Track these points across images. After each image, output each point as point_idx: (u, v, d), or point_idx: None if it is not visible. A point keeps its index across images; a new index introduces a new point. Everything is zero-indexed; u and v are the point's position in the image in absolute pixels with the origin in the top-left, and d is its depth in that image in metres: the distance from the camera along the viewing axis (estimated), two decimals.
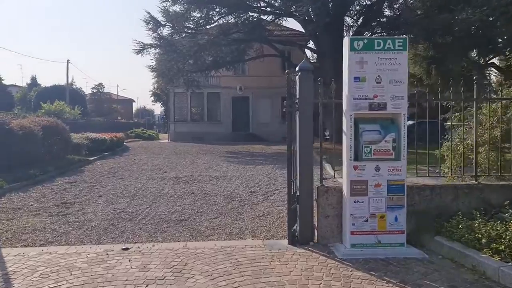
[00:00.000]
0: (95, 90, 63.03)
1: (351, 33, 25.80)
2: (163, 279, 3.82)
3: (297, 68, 4.65)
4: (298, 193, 4.80)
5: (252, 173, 12.00)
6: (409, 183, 4.76)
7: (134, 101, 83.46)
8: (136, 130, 37.08)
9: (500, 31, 18.73)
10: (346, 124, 4.51)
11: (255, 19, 24.92)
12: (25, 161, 11.34)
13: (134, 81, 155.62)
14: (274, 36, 28.03)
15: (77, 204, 7.40)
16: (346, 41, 4.39)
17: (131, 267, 4.12)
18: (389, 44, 4.24)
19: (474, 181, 5.25)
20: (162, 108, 66.68)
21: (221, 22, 24.92)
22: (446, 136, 7.04)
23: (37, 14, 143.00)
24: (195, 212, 6.85)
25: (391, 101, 4.31)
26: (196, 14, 24.05)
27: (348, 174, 4.43)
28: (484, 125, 6.30)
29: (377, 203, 4.36)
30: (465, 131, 6.05)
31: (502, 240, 3.99)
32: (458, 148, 6.47)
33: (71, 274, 3.96)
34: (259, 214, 6.67)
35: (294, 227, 4.89)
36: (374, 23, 23.36)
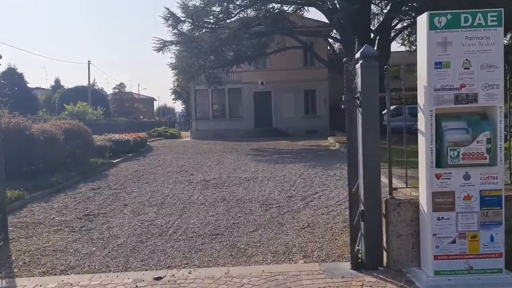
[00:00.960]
0: (116, 90, 63.40)
1: (377, 21, 24.66)
2: None
3: (357, 54, 3.81)
4: (362, 208, 3.97)
5: (283, 173, 11.21)
6: None
7: (155, 100, 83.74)
8: (158, 129, 36.72)
9: None
10: (424, 122, 3.66)
11: (276, 11, 24.04)
12: (47, 166, 10.87)
13: (155, 80, 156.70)
14: (297, 28, 27.04)
15: (101, 216, 6.75)
16: (423, 19, 3.52)
17: None
18: (479, 19, 3.36)
19: None
20: (183, 106, 66.55)
21: (240, 16, 24.15)
22: None
23: (58, 16, 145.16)
24: (231, 223, 6.10)
25: (483, 91, 3.43)
26: (216, 8, 23.32)
27: (429, 184, 3.57)
28: None
29: (467, 220, 3.50)
30: None
31: None
32: None
33: None
34: (303, 225, 5.86)
35: (357, 247, 4.07)
36: (406, 8, 22.10)
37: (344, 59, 4.07)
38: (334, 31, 27.71)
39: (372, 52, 3.83)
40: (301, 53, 32.23)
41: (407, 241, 3.81)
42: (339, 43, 27.72)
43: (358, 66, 3.89)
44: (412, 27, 25.75)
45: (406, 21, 24.58)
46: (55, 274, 4.26)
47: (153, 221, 6.35)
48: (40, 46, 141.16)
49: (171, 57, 56.17)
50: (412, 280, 3.62)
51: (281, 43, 26.47)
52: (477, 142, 3.44)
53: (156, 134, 33.89)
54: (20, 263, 4.64)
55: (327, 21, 26.34)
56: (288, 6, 25.40)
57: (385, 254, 3.96)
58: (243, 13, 24.11)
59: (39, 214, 6.96)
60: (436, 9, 15.22)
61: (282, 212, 6.66)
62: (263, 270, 4.06)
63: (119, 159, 15.50)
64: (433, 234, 3.54)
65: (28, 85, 45.59)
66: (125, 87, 64.97)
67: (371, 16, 24.33)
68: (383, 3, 24.06)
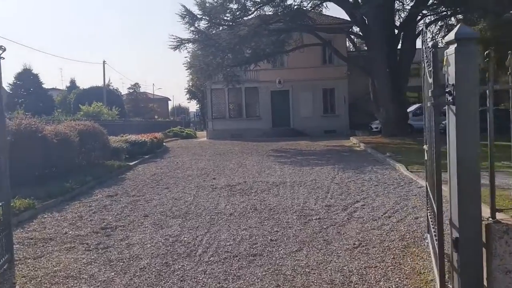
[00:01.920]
0: (131, 90, 63.23)
1: (403, 15, 23.61)
2: None
3: (451, 36, 2.93)
4: (455, 234, 3.09)
5: (313, 177, 10.35)
6: None
7: (170, 100, 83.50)
8: (174, 129, 36.19)
9: None
10: None
11: (295, 7, 23.20)
12: (61, 170, 10.22)
13: (169, 80, 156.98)
14: (317, 24, 26.13)
15: (119, 230, 6.00)
16: None
17: None
18: None
19: None
20: (197, 106, 66.13)
21: (258, 13, 23.36)
22: None
23: (74, 16, 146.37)
24: (268, 240, 5.28)
25: None
26: (233, 6, 22.57)
27: None
28: None
29: None
30: None
31: None
32: None
33: None
34: (354, 244, 5.00)
35: (449, 286, 3.21)
36: (433, 1, 21.02)
37: (431, 43, 3.21)
38: (355, 27, 26.74)
39: (470, 34, 2.96)
40: (320, 51, 31.34)
41: None
42: (361, 39, 26.64)
43: (450, 51, 3.03)
44: (442, 22, 24.63)
45: (430, 16, 23.51)
46: None
47: (179, 237, 5.57)
48: (56, 47, 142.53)
49: (185, 57, 55.63)
50: None
51: (299, 40, 25.61)
52: None
53: (172, 135, 33.36)
54: None
55: (346, 17, 25.40)
56: (308, 1, 24.55)
57: None
58: (261, 10, 23.34)
59: (50, 227, 6.23)
60: (465, 4, 14.12)
61: (324, 226, 5.81)
62: None
63: (136, 161, 14.83)
64: None
65: (44, 86, 45.52)
66: (140, 87, 64.80)
67: (395, 12, 23.31)
68: None
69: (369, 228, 5.64)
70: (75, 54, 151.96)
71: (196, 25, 22.81)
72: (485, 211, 3.09)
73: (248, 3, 22.80)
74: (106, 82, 45.82)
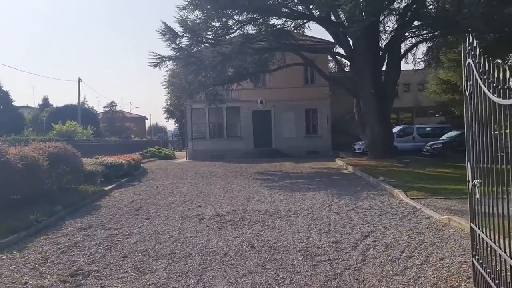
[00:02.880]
0: (107, 109, 61.74)
1: (389, 36, 23.49)
2: None
3: None
4: None
5: (307, 205, 9.55)
6: None
7: (147, 118, 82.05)
8: (151, 149, 34.92)
9: None
10: None
11: (278, 26, 22.83)
12: (27, 198, 9.09)
13: (147, 98, 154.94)
14: (301, 44, 25.79)
15: (93, 277, 4.98)
16: None
17: None
18: None
19: None
20: (176, 125, 64.92)
21: (240, 32, 22.87)
22: None
23: (49, 33, 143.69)
24: None
25: None
26: (215, 24, 21.98)
27: None
28: None
29: None
30: None
31: None
32: None
33: None
34: None
35: None
36: (417, 24, 20.96)
37: None
38: (339, 48, 26.53)
39: None
40: (302, 71, 31.09)
41: None
42: (345, 60, 26.42)
43: None
44: (431, 43, 24.62)
45: (411, 39, 23.46)
46: None
47: (166, 286, 4.60)
48: (29, 64, 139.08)
49: (164, 75, 54.57)
50: None
51: (281, 60, 25.15)
52: None
53: (149, 155, 32.14)
54: None
55: (328, 38, 25.28)
56: (292, 21, 24.22)
57: None
58: (243, 29, 22.85)
59: (8, 275, 5.15)
60: (448, 27, 13.74)
61: (338, 271, 4.96)
62: None
63: (112, 186, 13.72)
64: None
65: (14, 103, 43.72)
66: (116, 105, 63.39)
67: (380, 33, 23.17)
68: (393, 19, 22.95)
69: (391, 273, 4.81)
70: (49, 72, 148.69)
71: (177, 42, 22.07)
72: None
73: (231, 22, 22.29)
74: (81, 100, 44.38)
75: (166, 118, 63.29)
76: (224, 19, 21.85)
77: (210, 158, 28.52)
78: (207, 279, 4.82)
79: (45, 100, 53.56)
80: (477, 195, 3.53)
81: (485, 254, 3.45)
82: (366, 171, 15.99)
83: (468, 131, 3.74)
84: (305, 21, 24.56)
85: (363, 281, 4.61)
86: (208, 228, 7.42)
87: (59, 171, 10.86)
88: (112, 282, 4.79)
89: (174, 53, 22.26)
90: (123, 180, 15.44)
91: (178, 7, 21.73)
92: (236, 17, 22.19)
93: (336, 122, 33.31)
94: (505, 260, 2.93)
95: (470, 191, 3.78)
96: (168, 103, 56.95)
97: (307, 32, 30.67)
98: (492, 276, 3.23)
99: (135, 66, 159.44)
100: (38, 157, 9.50)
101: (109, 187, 13.36)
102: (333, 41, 25.74)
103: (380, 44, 23.01)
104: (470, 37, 3.46)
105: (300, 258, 5.48)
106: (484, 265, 3.52)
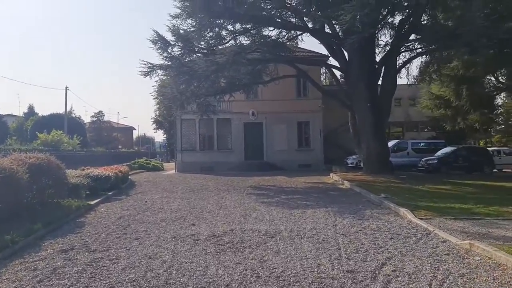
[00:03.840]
0: (94, 119, 60.60)
1: (385, 49, 23.20)
2: None
3: None
4: None
5: (310, 224, 8.88)
6: None
7: (135, 129, 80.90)
8: (139, 160, 33.96)
9: None
10: None
11: (272, 38, 22.42)
12: (4, 215, 8.24)
13: (135, 108, 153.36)
14: (295, 56, 25.36)
15: None
16: None
17: None
18: None
19: None
20: (164, 136, 63.89)
21: (233, 42, 22.39)
22: None
23: (37, 41, 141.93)
24: None
25: None
26: (208, 34, 21.44)
27: None
28: None
29: None
30: None
31: None
32: None
33: None
34: None
35: None
36: (412, 38, 20.72)
37: None
38: (334, 59, 26.21)
39: None
40: (294, 83, 30.71)
41: None
42: (340, 72, 26.06)
43: None
44: (429, 57, 24.40)
45: (405, 53, 23.21)
46: None
47: None
48: (15, 72, 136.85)
49: (153, 86, 53.59)
50: None
51: (274, 71, 24.67)
52: None
53: (137, 166, 31.17)
54: None
55: (322, 51, 24.97)
56: (286, 32, 23.83)
57: None
58: (236, 40, 22.38)
59: None
60: (446, 41, 13.29)
61: None
62: None
63: (98, 200, 12.87)
64: None
65: None
66: (104, 115, 62.22)
67: (376, 46, 22.86)
68: (387, 33, 22.68)
69: None
70: (35, 79, 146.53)
71: (169, 51, 21.45)
72: None
73: (224, 32, 21.81)
74: (68, 109, 43.35)
75: (154, 129, 62.40)
76: (217, 29, 21.36)
77: (200, 171, 27.75)
78: None
79: (31, 108, 52.36)
80: None
81: None
82: (364, 187, 15.43)
83: None
84: (299, 32, 24.15)
85: None
86: (205, 252, 6.68)
87: (40, 184, 10.04)
88: None
89: (166, 62, 21.63)
90: (110, 193, 14.58)
91: (171, 15, 21.27)
92: (229, 27, 21.74)
93: (328, 135, 32.90)
94: None
95: None
96: (157, 114, 56.06)
97: (301, 45, 30.42)
98: None
99: (124, 76, 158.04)
100: (17, 169, 8.68)
101: (95, 201, 12.51)
102: (327, 53, 25.42)
103: (375, 58, 22.70)
104: None
105: None
106: None
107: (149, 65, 21.24)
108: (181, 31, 21.11)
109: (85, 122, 55.32)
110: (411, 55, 23.15)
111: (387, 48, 22.66)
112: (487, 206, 10.67)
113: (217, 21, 21.03)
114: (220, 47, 22.20)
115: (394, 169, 22.46)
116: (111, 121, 66.52)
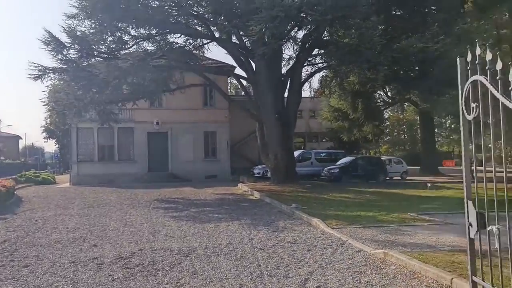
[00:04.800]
0: None
1: (290, 62, 23.95)
2: None
3: None
4: None
5: (225, 239, 8.48)
6: None
7: (21, 138, 72.85)
8: (27, 173, 30.42)
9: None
10: None
11: (178, 45, 21.87)
12: None
13: (22, 116, 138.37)
14: (203, 65, 24.95)
15: None
16: None
17: None
18: None
19: None
20: (56, 146, 58.42)
21: (136, 48, 21.32)
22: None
23: None
24: None
25: None
26: (108, 37, 20.11)
27: None
28: None
29: None
30: None
31: None
32: None
33: None
34: None
35: None
36: (315, 52, 21.72)
37: None
38: (241, 69, 26.36)
39: None
40: (201, 92, 30.34)
41: None
42: (247, 83, 26.26)
43: None
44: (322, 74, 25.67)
45: (311, 66, 24.28)
46: None
47: None
48: None
49: (43, 91, 49.06)
50: None
51: (180, 80, 24.00)
52: None
53: (24, 180, 27.86)
54: None
55: (228, 61, 25.03)
56: (192, 40, 23.37)
57: None
58: (139, 45, 21.35)
59: None
60: (347, 57, 14.16)
61: None
62: None
63: None
64: None
65: None
66: None
67: (282, 58, 23.47)
68: (292, 47, 23.45)
69: None
70: None
71: (64, 53, 19.58)
72: None
73: (126, 37, 20.64)
74: None
75: (45, 138, 56.71)
76: (119, 33, 20.12)
77: (99, 183, 25.70)
78: None
79: None
80: (496, 245, 2.86)
81: None
82: (273, 197, 15.51)
83: (467, 160, 3.14)
84: (206, 41, 23.84)
85: None
86: (111, 278, 5.87)
87: None
88: None
89: (61, 65, 19.70)
90: None
91: (66, 15, 19.46)
92: (132, 32, 20.64)
93: (234, 146, 32.95)
94: None
95: (471, 236, 3.14)
96: (48, 122, 51.14)
97: (208, 54, 30.23)
98: None
99: (7, 79, 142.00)
100: None
101: None
102: (235, 64, 25.50)
103: (281, 70, 23.30)
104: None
105: None
106: None
107: (40, 67, 19.18)
108: (78, 33, 19.45)
109: None
110: (313, 69, 24.27)
111: (291, 61, 23.43)
112: (388, 213, 11.29)
113: (119, 25, 19.82)
114: (122, 52, 20.93)
115: (299, 178, 23.14)
116: None
